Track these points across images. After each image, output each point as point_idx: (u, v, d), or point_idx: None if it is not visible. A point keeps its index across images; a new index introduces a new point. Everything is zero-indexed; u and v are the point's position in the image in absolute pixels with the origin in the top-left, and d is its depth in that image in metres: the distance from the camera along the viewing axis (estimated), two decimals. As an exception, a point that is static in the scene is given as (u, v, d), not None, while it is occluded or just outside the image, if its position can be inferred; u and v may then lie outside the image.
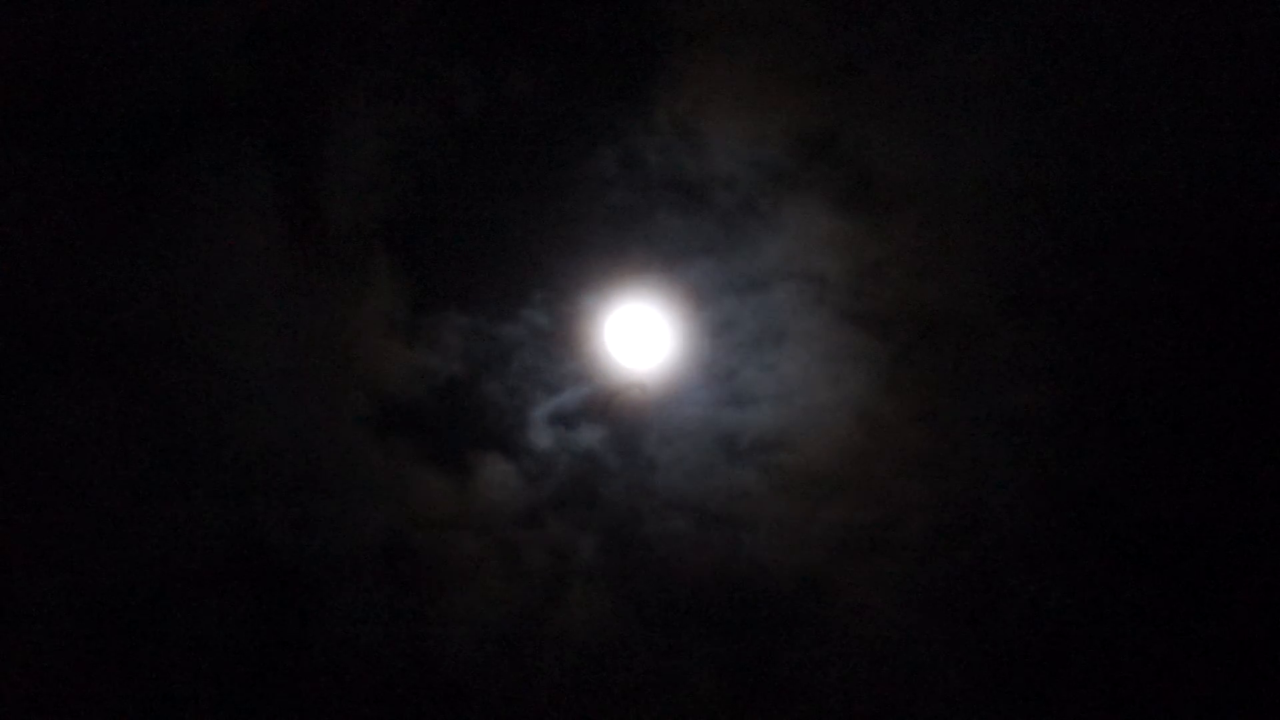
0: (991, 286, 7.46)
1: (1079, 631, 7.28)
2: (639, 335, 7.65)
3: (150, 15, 7.27)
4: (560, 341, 7.60)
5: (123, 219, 7.33)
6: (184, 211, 7.38)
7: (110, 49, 7.27)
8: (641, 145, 7.46)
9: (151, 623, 7.27)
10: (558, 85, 7.43)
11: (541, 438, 7.59)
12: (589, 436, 7.60)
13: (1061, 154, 7.42)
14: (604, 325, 7.63)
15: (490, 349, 7.57)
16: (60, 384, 7.35)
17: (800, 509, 7.51)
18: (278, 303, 7.44)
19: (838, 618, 7.42)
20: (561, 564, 7.54)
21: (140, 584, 7.29)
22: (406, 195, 7.55)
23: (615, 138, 7.43)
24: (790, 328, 7.54)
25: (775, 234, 7.50)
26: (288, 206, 7.47)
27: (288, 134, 7.45)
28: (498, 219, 7.54)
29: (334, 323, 7.49)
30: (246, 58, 7.36)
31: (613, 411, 7.57)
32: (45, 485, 7.32)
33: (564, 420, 7.61)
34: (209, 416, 7.38)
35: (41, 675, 7.15)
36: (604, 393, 7.59)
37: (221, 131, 7.40)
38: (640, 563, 7.55)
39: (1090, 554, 7.31)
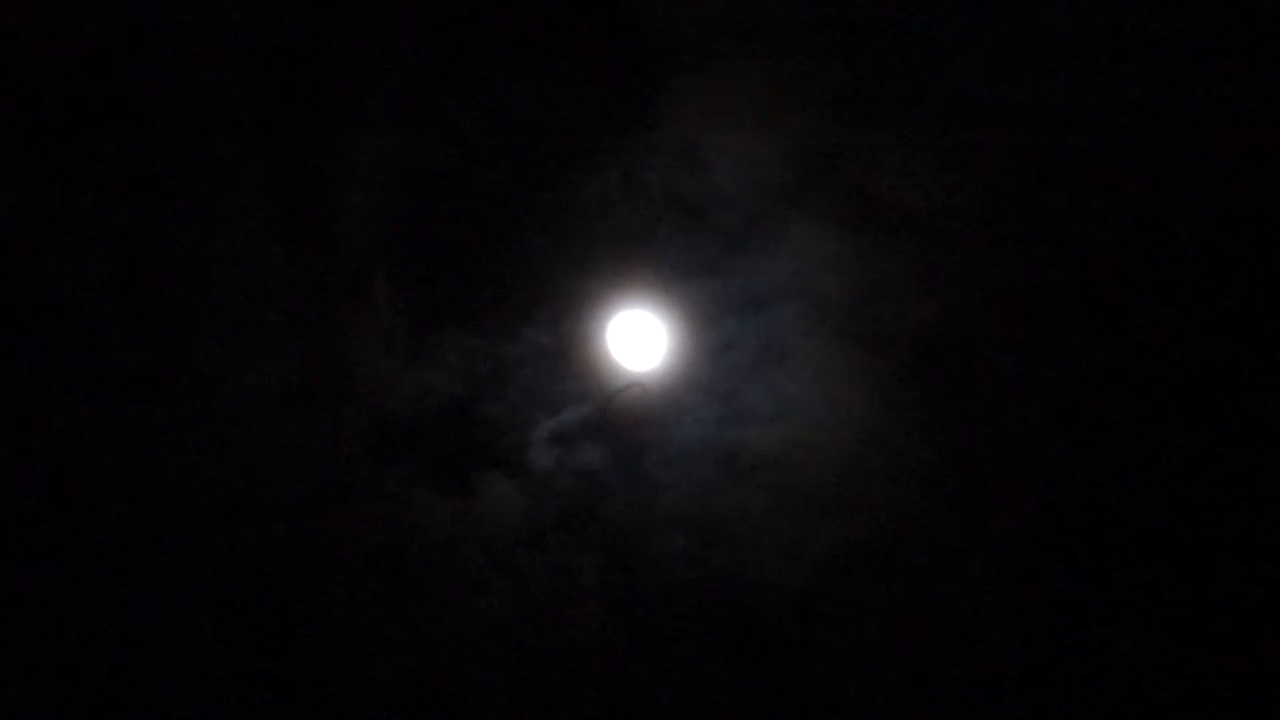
0: (991, 306, 7.49)
1: (1080, 649, 7.29)
2: (640, 354, 7.67)
3: (155, 36, 7.28)
4: (562, 361, 7.62)
5: (126, 239, 7.33)
6: (187, 231, 7.38)
7: (114, 71, 7.27)
8: (643, 166, 7.49)
9: (150, 639, 7.26)
10: (560, 106, 7.45)
11: (543, 457, 7.61)
12: (590, 456, 7.61)
13: (1061, 174, 7.46)
14: (605, 345, 7.65)
15: (492, 368, 7.59)
16: (63, 400, 7.34)
17: (801, 528, 7.53)
18: (281, 322, 7.45)
19: (838, 636, 7.43)
20: (562, 583, 7.55)
21: (140, 600, 7.28)
22: (409, 215, 7.57)
23: (617, 158, 7.47)
24: (791, 347, 7.57)
25: (776, 254, 7.53)
26: (291, 226, 7.47)
27: (291, 154, 7.46)
28: (500, 239, 7.56)
29: (336, 342, 7.50)
30: (250, 79, 7.36)
31: (611, 412, 7.58)
32: (47, 500, 7.30)
33: (565, 439, 7.63)
34: (212, 435, 7.38)
35: (39, 690, 7.13)
36: (603, 394, 7.61)
37: (225, 152, 7.40)
38: (641, 582, 7.56)
39: (1091, 571, 7.33)
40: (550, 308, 7.59)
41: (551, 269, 7.57)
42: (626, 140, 7.46)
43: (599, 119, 7.47)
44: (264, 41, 7.44)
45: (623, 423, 7.64)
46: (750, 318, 7.56)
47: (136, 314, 7.36)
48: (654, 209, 7.52)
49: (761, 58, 7.34)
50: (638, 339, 7.64)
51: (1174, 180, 7.38)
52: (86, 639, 7.19)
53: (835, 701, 7.37)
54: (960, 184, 7.43)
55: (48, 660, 7.15)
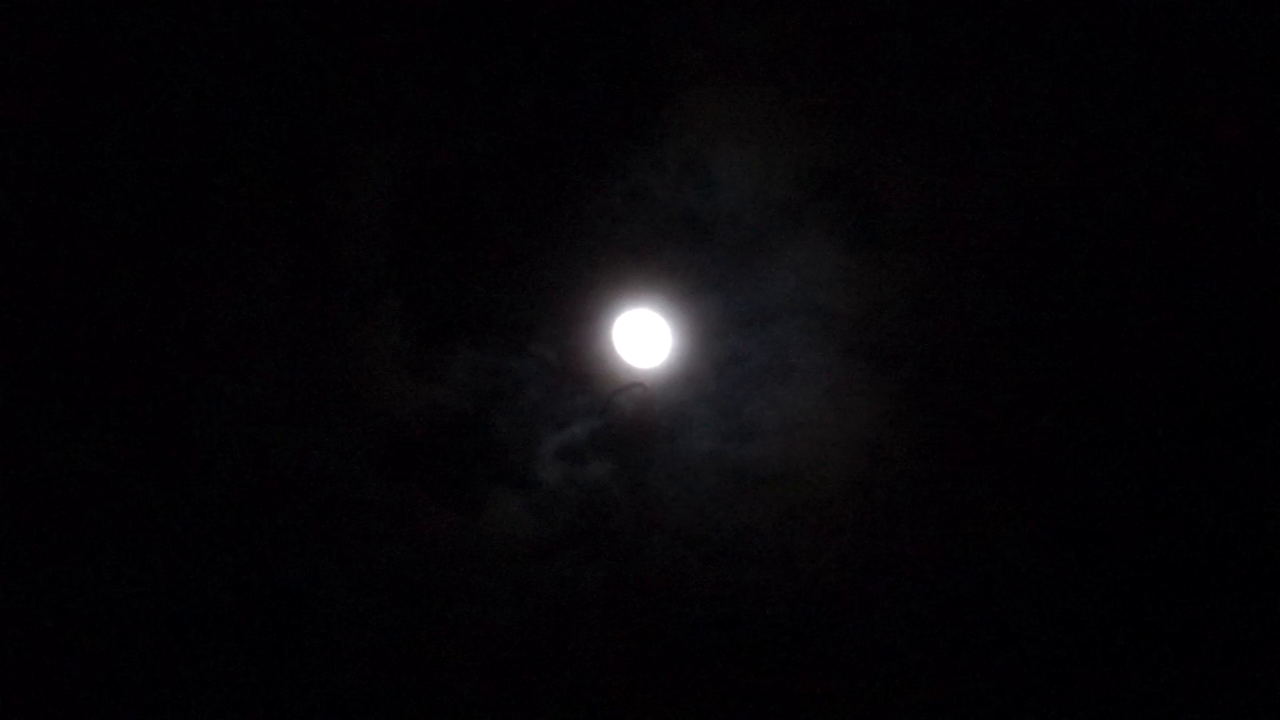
0: (998, 321, 7.47)
1: (1087, 664, 7.33)
2: (646, 369, 7.68)
3: (160, 54, 7.25)
4: (568, 376, 7.63)
5: (130, 255, 7.34)
6: (192, 246, 7.39)
7: (116, 84, 7.26)
8: (649, 181, 7.45)
9: (156, 653, 7.34)
10: (566, 121, 7.42)
11: (549, 472, 7.64)
12: (596, 470, 7.65)
13: (1069, 188, 7.40)
14: (611, 359, 7.66)
15: (498, 384, 7.60)
16: (69, 416, 7.39)
17: (807, 542, 7.57)
18: (286, 338, 7.47)
19: (844, 650, 7.48)
20: (569, 597, 7.60)
21: (145, 615, 7.35)
22: (415, 230, 7.55)
23: (623, 173, 7.42)
24: (797, 362, 7.57)
25: (782, 269, 7.51)
26: (297, 241, 7.47)
27: (297, 170, 7.44)
28: (506, 254, 7.55)
29: (343, 358, 7.52)
30: (254, 94, 7.33)
31: (612, 412, 7.61)
32: (53, 516, 7.37)
33: (572, 454, 7.66)
34: (218, 452, 7.43)
35: (44, 703, 7.22)
36: (604, 393, 7.63)
37: (231, 168, 7.39)
38: (647, 595, 7.61)
39: (1097, 588, 7.36)
40: (556, 322, 7.59)
41: (558, 284, 7.56)
42: (632, 155, 7.42)
43: (605, 134, 7.43)
44: (269, 55, 7.40)
45: (624, 423, 7.66)
46: (756, 333, 7.56)
47: (140, 329, 7.39)
48: (660, 224, 7.50)
49: (768, 73, 7.26)
50: (643, 353, 7.65)
51: (1182, 196, 7.33)
52: (93, 653, 7.27)
53: (841, 714, 7.42)
54: (967, 199, 7.38)
55: (53, 676, 7.23)
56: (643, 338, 7.63)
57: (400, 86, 7.44)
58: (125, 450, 7.36)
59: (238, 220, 7.43)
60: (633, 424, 7.70)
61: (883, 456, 7.51)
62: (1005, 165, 7.31)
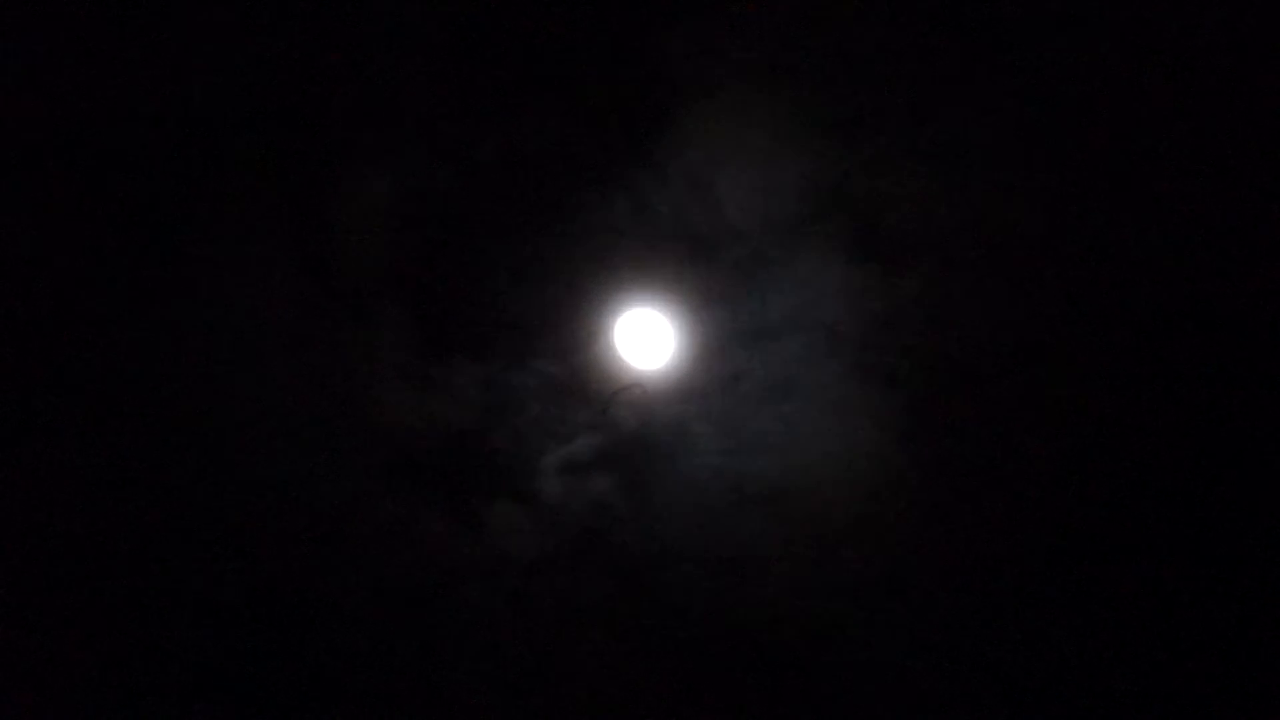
0: (1002, 337, 7.46)
1: (1093, 682, 7.31)
2: (649, 384, 7.67)
3: (164, 64, 7.28)
4: (570, 390, 7.63)
5: (134, 267, 7.36)
6: (195, 260, 7.41)
7: (119, 97, 7.29)
8: (653, 196, 7.45)
9: (157, 667, 7.34)
10: (569, 137, 7.43)
11: (552, 486, 7.64)
12: (599, 485, 7.64)
13: (1071, 204, 7.39)
14: (614, 374, 7.66)
15: (501, 398, 7.60)
16: (70, 428, 7.40)
17: (809, 558, 7.55)
18: (289, 351, 7.48)
19: (847, 666, 7.45)
20: (571, 611, 7.59)
21: (145, 628, 7.36)
22: (418, 244, 7.57)
23: (627, 189, 7.43)
24: (800, 378, 7.56)
25: (786, 285, 7.50)
26: (300, 255, 7.49)
27: (301, 183, 7.46)
28: (509, 269, 7.56)
29: (345, 371, 7.53)
30: (258, 108, 7.35)
31: (612, 413, 7.60)
32: (52, 526, 7.38)
33: (574, 468, 7.65)
34: (219, 464, 7.43)
35: (47, 710, 7.23)
36: (603, 394, 7.63)
37: (234, 180, 7.41)
38: (650, 610, 7.60)
39: (1104, 605, 7.33)
40: (559, 337, 7.59)
41: (560, 298, 7.57)
42: (636, 170, 7.43)
43: (609, 149, 7.44)
44: (273, 70, 7.42)
45: (626, 437, 7.65)
46: (759, 348, 7.55)
47: (142, 340, 7.40)
48: (663, 239, 7.50)
49: (772, 89, 7.28)
50: (646, 369, 7.64)
51: (1186, 210, 7.32)
52: (93, 668, 7.27)
53: (842, 731, 7.41)
54: (971, 215, 7.37)
55: (52, 678, 7.24)
56: (645, 347, 7.62)
57: (404, 100, 7.46)
58: (125, 461, 7.36)
59: (240, 232, 7.45)
60: (635, 437, 7.69)
61: (886, 472, 7.48)
62: (1009, 181, 7.30)
